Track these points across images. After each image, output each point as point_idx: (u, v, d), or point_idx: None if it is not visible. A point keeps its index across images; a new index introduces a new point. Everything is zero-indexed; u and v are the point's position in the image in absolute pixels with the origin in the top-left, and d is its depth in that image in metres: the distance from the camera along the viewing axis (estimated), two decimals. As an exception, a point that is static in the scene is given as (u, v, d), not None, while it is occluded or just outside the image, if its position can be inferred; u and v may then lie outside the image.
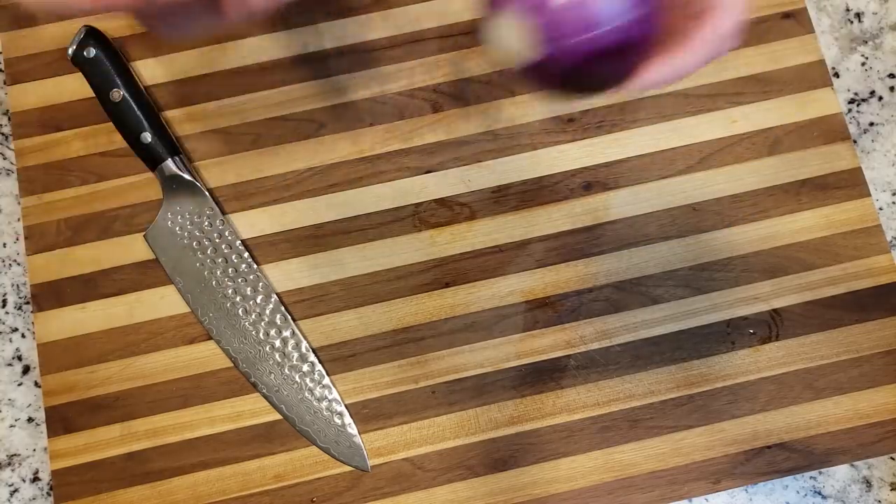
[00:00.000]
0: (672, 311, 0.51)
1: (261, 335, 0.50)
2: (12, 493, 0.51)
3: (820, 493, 0.51)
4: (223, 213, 0.52)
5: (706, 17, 0.31)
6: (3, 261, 0.54)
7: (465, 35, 0.54)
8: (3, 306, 0.54)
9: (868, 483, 0.51)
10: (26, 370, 0.53)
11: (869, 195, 0.52)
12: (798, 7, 0.54)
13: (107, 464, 0.50)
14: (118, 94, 0.50)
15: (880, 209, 0.54)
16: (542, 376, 0.51)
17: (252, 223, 0.52)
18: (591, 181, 0.52)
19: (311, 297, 0.51)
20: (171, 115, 0.53)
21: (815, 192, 0.52)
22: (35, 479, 0.52)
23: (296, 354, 0.50)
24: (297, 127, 0.53)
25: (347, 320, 0.51)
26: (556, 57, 0.27)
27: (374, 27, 0.55)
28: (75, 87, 0.54)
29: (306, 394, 0.50)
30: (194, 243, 0.51)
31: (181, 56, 0.54)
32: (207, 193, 0.52)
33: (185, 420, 0.50)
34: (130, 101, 0.50)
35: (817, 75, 0.54)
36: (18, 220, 0.54)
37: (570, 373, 0.50)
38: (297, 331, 0.50)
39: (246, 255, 0.51)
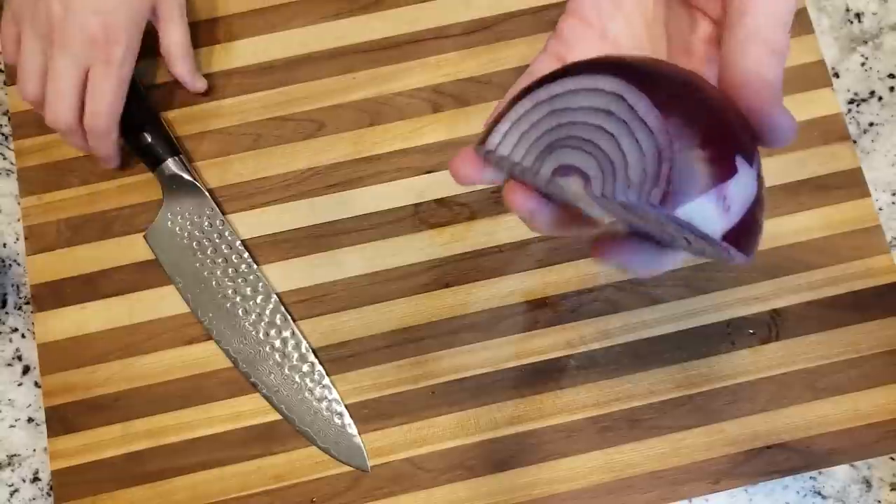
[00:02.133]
0: (672, 311, 0.51)
1: (261, 335, 0.50)
2: (12, 494, 0.51)
3: (820, 494, 0.51)
4: (223, 213, 0.52)
5: None
6: (3, 261, 0.54)
7: (466, 35, 0.54)
8: (3, 306, 0.54)
9: (868, 483, 0.51)
10: (26, 370, 0.53)
11: (869, 195, 0.52)
12: (798, 7, 0.54)
13: (107, 464, 0.50)
14: None
15: (880, 209, 0.54)
16: (542, 376, 0.51)
17: (252, 223, 0.52)
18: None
19: (311, 297, 0.51)
20: (171, 115, 0.53)
21: (815, 193, 0.52)
22: (35, 479, 0.52)
23: (296, 355, 0.50)
24: (297, 127, 0.53)
25: (347, 320, 0.51)
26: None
27: (373, 27, 0.55)
28: (75, 87, 0.54)
29: (306, 394, 0.50)
30: (194, 243, 0.51)
31: (181, 56, 0.54)
32: (207, 193, 0.51)
33: (185, 420, 0.50)
34: (130, 100, 0.50)
35: (817, 75, 0.54)
36: (18, 220, 0.54)
37: (571, 373, 0.50)
38: (296, 331, 0.50)
39: (246, 255, 0.51)
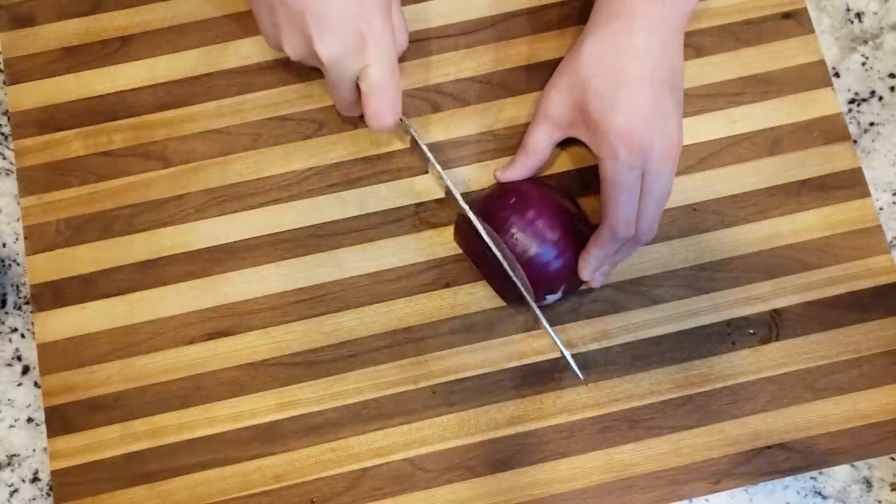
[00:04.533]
0: (672, 311, 0.51)
1: None
2: (12, 494, 0.51)
3: (820, 494, 0.51)
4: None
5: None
6: (3, 261, 0.54)
7: (466, 35, 0.54)
8: (3, 306, 0.54)
9: (868, 483, 0.51)
10: (26, 370, 0.53)
11: (869, 195, 0.52)
12: (798, 7, 0.54)
13: (106, 464, 0.50)
14: None
15: (880, 209, 0.54)
16: (542, 376, 0.51)
17: (252, 223, 0.52)
18: (592, 181, 0.52)
19: (311, 297, 0.51)
20: (171, 114, 0.53)
21: (816, 193, 0.52)
22: (35, 479, 0.52)
23: None
24: (297, 127, 0.53)
25: (347, 320, 0.51)
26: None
27: (374, 27, 0.54)
28: (75, 86, 0.54)
29: None
30: None
31: (182, 55, 0.54)
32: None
33: (185, 420, 0.50)
34: None
35: (818, 75, 0.54)
36: (18, 220, 0.54)
37: (571, 373, 0.50)
38: None
39: None
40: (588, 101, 0.46)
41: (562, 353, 0.47)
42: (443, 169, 0.50)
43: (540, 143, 0.50)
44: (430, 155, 0.49)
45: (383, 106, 0.45)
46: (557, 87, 0.49)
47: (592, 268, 0.47)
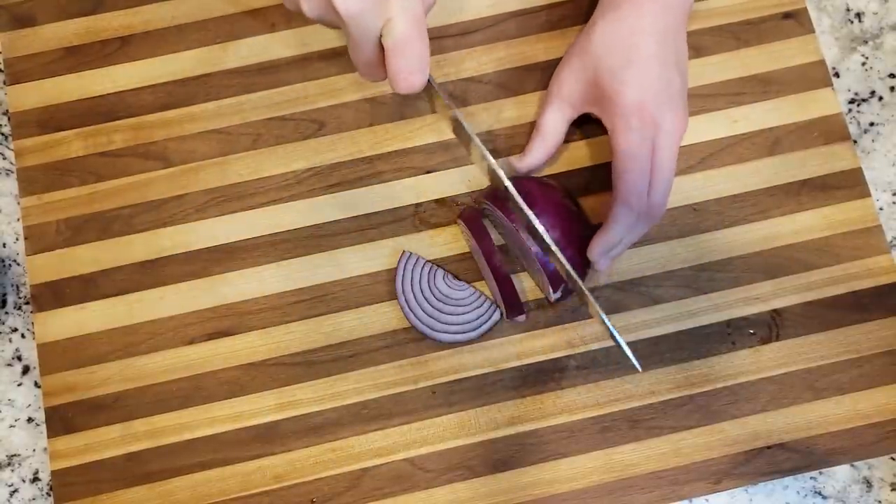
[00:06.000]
0: (672, 311, 0.51)
1: None
2: (12, 494, 0.51)
3: (820, 494, 0.51)
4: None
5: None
6: (3, 261, 0.54)
7: (466, 35, 0.54)
8: (3, 306, 0.54)
9: (868, 483, 0.51)
10: (26, 370, 0.53)
11: (869, 195, 0.52)
12: (798, 7, 0.54)
13: (107, 464, 0.50)
14: None
15: (880, 209, 0.54)
16: (542, 376, 0.51)
17: (252, 223, 0.52)
18: (592, 181, 0.52)
19: (311, 297, 0.51)
20: (171, 114, 0.53)
21: (816, 193, 0.52)
22: (35, 479, 0.52)
23: None
24: (297, 127, 0.53)
25: (347, 320, 0.51)
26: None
27: (374, 27, 0.54)
28: (75, 86, 0.54)
29: None
30: None
31: (182, 56, 0.54)
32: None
33: (185, 420, 0.50)
34: None
35: (818, 75, 0.54)
36: (18, 220, 0.54)
37: (571, 373, 0.50)
38: None
39: None
40: (601, 78, 0.47)
41: (614, 338, 0.45)
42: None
43: (554, 123, 0.51)
44: (463, 120, 0.45)
45: (409, 63, 0.40)
46: (570, 68, 0.50)
47: (603, 248, 0.47)
